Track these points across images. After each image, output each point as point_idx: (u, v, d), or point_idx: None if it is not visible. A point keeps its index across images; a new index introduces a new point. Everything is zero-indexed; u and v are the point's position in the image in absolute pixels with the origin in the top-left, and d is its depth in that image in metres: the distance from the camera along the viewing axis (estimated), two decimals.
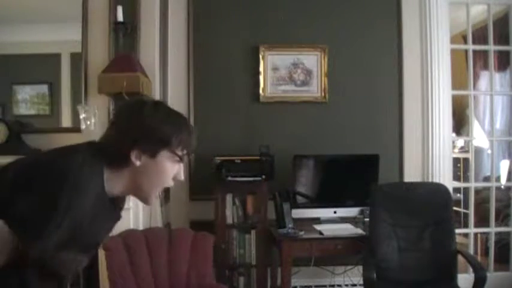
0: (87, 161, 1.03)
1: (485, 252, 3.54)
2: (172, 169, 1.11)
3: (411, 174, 3.25)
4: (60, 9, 2.92)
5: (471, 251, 3.33)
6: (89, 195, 1.01)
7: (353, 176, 3.12)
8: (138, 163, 1.06)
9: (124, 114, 1.13)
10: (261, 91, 3.21)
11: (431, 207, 2.64)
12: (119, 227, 2.53)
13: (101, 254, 2.48)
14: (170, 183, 1.13)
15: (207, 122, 3.19)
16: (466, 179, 4.32)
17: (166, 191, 3.08)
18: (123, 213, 2.78)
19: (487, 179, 4.14)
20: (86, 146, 1.10)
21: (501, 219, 3.58)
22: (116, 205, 1.17)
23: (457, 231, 2.89)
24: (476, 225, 3.42)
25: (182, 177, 1.15)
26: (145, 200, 1.14)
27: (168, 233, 2.58)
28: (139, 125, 1.06)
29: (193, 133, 1.14)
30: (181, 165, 1.14)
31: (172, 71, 3.18)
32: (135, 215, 2.65)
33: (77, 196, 0.98)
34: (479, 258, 3.42)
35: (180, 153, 1.10)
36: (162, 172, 1.10)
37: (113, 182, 1.08)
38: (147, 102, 1.13)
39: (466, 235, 3.43)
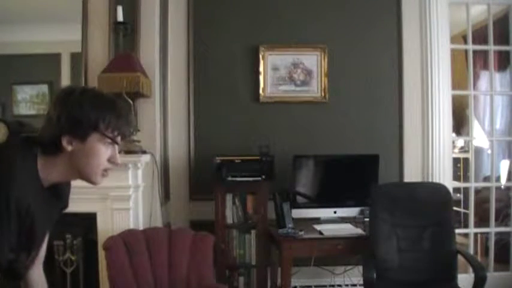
0: (16, 154, 1.08)
1: (485, 252, 3.54)
2: (105, 151, 1.14)
3: (411, 174, 3.25)
4: (60, 9, 2.92)
5: (471, 251, 3.33)
6: (24, 186, 1.04)
7: (353, 176, 3.11)
8: (69, 148, 1.10)
9: (53, 103, 1.15)
10: (261, 91, 3.21)
11: (431, 207, 2.64)
12: (119, 227, 2.54)
13: (101, 254, 2.49)
14: (106, 165, 1.16)
15: (207, 122, 3.19)
16: (466, 179, 4.32)
17: (166, 190, 3.08)
18: (123, 213, 2.78)
19: (487, 179, 4.13)
20: (19, 139, 1.16)
21: (501, 219, 3.58)
22: (58, 192, 1.20)
23: (457, 231, 2.89)
24: (476, 225, 3.43)
25: (118, 160, 1.18)
26: (89, 181, 1.17)
27: (168, 233, 2.58)
28: (67, 112, 1.10)
29: (123, 115, 1.17)
30: (116, 147, 1.17)
31: (172, 71, 3.18)
32: (135, 215, 2.65)
33: (10, 188, 1.02)
34: (479, 258, 3.41)
35: (110, 135, 1.13)
36: (95, 154, 1.13)
37: (50, 170, 1.12)
38: (73, 90, 1.15)
39: (466, 235, 3.43)
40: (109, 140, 1.14)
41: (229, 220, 2.87)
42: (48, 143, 1.11)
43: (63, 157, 1.12)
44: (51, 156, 1.12)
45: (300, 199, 3.07)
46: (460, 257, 2.58)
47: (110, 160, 1.17)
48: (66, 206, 1.30)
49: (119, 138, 1.17)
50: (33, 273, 1.31)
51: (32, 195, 1.07)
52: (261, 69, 3.21)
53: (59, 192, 1.22)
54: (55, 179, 1.15)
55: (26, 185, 1.06)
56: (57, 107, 1.12)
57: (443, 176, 3.22)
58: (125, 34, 2.79)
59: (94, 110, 1.11)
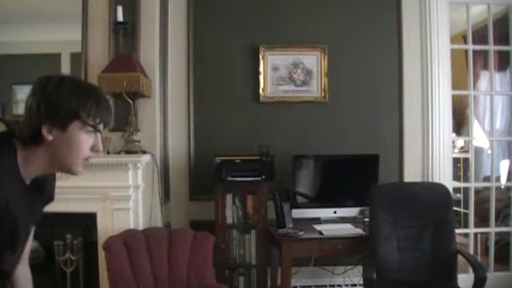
0: None
1: (485, 252, 3.53)
2: (87, 139, 1.12)
3: (411, 174, 3.25)
4: (60, 9, 2.92)
5: (471, 251, 3.33)
6: (2, 186, 1.01)
7: (353, 176, 3.11)
8: (50, 137, 1.07)
9: (31, 92, 1.11)
10: (261, 91, 3.21)
11: (431, 207, 2.64)
12: (119, 227, 2.55)
13: (101, 254, 2.49)
14: (88, 153, 1.13)
15: (207, 122, 3.19)
16: (466, 179, 4.31)
17: (166, 190, 3.08)
18: (123, 213, 2.79)
19: (487, 179, 4.14)
20: None
21: (501, 219, 3.58)
22: (41, 185, 1.18)
23: (457, 231, 2.89)
24: (476, 225, 3.42)
25: (100, 148, 1.15)
26: (70, 172, 1.14)
27: (168, 233, 2.58)
28: (45, 100, 1.07)
29: (103, 102, 1.14)
30: (98, 135, 1.14)
31: (172, 71, 3.18)
32: (135, 215, 2.65)
33: None
34: (479, 258, 3.41)
35: (92, 123, 1.10)
36: (77, 143, 1.10)
37: (31, 163, 1.10)
38: (51, 78, 1.12)
39: (466, 235, 3.43)
40: (91, 129, 1.11)
41: (229, 220, 2.87)
42: (28, 134, 1.07)
43: (44, 148, 1.09)
44: (32, 148, 1.09)
45: (300, 199, 3.07)
46: (460, 257, 2.58)
47: (93, 149, 1.14)
48: (51, 199, 1.28)
49: (101, 126, 1.14)
50: (18, 269, 1.29)
51: (12, 194, 1.04)
52: (261, 69, 3.21)
53: (43, 186, 1.19)
54: (37, 171, 1.12)
55: (5, 184, 1.02)
56: (35, 95, 1.09)
57: (443, 176, 3.21)
58: (125, 34, 2.79)
59: (74, 96, 1.09)
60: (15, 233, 1.11)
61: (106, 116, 1.14)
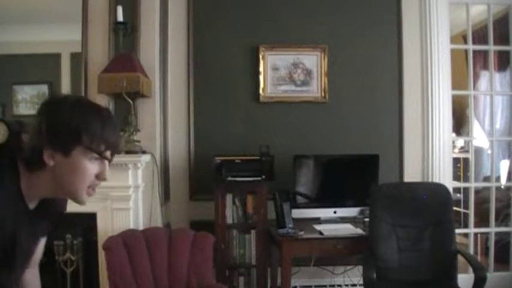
0: None
1: (485, 252, 3.53)
2: (92, 167, 1.03)
3: (411, 174, 3.25)
4: (60, 9, 2.92)
5: (471, 251, 3.33)
6: (2, 211, 0.97)
7: (353, 176, 3.12)
8: (51, 163, 1.00)
9: (37, 113, 1.05)
10: (261, 91, 3.21)
11: (431, 207, 2.64)
12: (119, 227, 2.54)
13: (101, 254, 2.48)
14: (93, 182, 1.05)
15: (207, 122, 3.19)
16: (466, 179, 4.32)
17: (166, 190, 3.08)
18: (123, 213, 2.79)
19: (487, 179, 4.14)
20: (6, 151, 1.05)
21: (501, 219, 3.58)
22: (48, 206, 1.12)
23: (457, 231, 2.89)
24: (476, 225, 3.42)
25: (106, 177, 1.06)
26: (74, 200, 1.07)
27: (168, 233, 2.58)
28: (46, 123, 1.00)
29: (110, 125, 1.04)
30: (105, 162, 1.05)
31: (172, 71, 3.18)
32: (135, 215, 2.65)
33: None
34: (479, 258, 3.42)
35: (96, 148, 1.01)
36: (80, 170, 1.01)
37: (35, 186, 1.03)
38: (55, 98, 1.06)
39: (466, 235, 3.43)
40: (96, 155, 1.02)
41: (229, 220, 2.87)
42: (31, 157, 1.01)
43: (47, 172, 1.01)
44: (36, 171, 1.02)
45: (300, 199, 3.07)
46: (460, 257, 2.58)
47: (98, 177, 1.05)
48: (56, 218, 1.21)
49: (108, 153, 1.04)
50: (27, 273, 1.26)
51: (8, 216, 0.98)
52: (261, 69, 3.21)
53: (49, 208, 1.12)
54: (43, 194, 1.07)
55: (5, 209, 0.97)
56: (38, 116, 1.02)
57: (443, 176, 3.22)
58: (125, 34, 2.79)
59: (74, 118, 1.00)
60: (11, 254, 1.05)
61: (113, 141, 1.04)
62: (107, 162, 1.05)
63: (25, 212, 1.04)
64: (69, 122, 1.00)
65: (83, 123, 1.00)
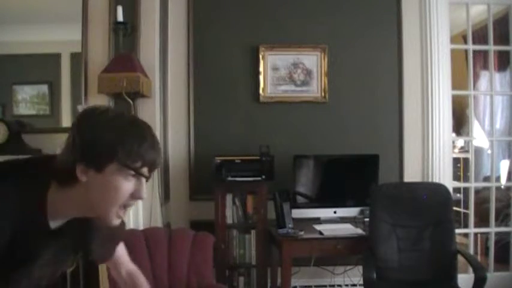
0: (23, 185, 0.95)
1: (485, 252, 3.54)
2: (126, 185, 0.95)
3: (411, 174, 3.25)
4: (60, 9, 2.92)
5: (471, 251, 3.33)
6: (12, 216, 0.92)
7: (353, 176, 3.12)
8: (84, 179, 0.93)
9: (72, 126, 0.99)
10: (261, 91, 3.21)
11: (431, 207, 2.64)
12: None
13: None
14: (127, 201, 0.97)
15: (207, 122, 3.19)
16: (466, 179, 4.32)
17: (166, 190, 3.08)
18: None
19: (487, 179, 4.14)
20: (30, 168, 1.00)
21: (501, 219, 3.58)
22: (83, 227, 1.06)
23: (457, 231, 2.89)
24: (476, 225, 3.42)
25: (143, 196, 0.98)
26: (104, 221, 0.99)
27: (168, 233, 2.58)
28: (80, 136, 0.94)
29: (148, 141, 0.96)
30: (142, 180, 0.97)
31: (172, 71, 3.18)
32: (135, 215, 2.65)
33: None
34: (479, 258, 3.42)
35: (132, 165, 0.94)
36: (114, 188, 0.94)
37: (62, 202, 0.97)
38: (92, 110, 1.00)
39: (466, 235, 3.43)
40: (132, 172, 0.94)
41: (229, 220, 2.87)
42: (63, 172, 0.94)
43: (79, 189, 0.95)
44: (66, 187, 0.95)
45: (300, 199, 3.07)
46: (460, 257, 2.58)
47: (133, 196, 0.97)
48: (88, 254, 1.17)
49: (145, 169, 0.96)
50: (124, 268, 1.28)
51: (24, 231, 0.93)
52: (261, 69, 3.21)
53: (85, 228, 1.06)
54: (70, 214, 1.00)
55: (14, 219, 0.91)
56: (73, 129, 0.96)
57: (443, 176, 3.22)
58: (125, 34, 2.79)
59: (110, 132, 0.93)
60: (26, 270, 0.99)
61: (150, 158, 0.96)
62: (143, 180, 0.98)
63: (44, 227, 0.97)
64: (104, 136, 0.93)
65: (119, 138, 0.93)
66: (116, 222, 0.99)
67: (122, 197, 0.96)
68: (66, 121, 2.91)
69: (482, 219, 3.52)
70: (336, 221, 3.03)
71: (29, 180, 0.96)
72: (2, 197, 0.92)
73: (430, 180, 3.20)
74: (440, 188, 2.75)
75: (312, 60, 3.25)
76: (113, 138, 0.93)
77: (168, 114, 3.15)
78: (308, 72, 3.25)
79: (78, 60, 2.86)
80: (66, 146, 0.96)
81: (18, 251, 0.94)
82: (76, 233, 1.05)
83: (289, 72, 3.24)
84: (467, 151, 4.24)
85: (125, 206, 0.98)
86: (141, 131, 0.97)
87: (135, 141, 0.94)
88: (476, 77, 4.14)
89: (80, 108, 2.71)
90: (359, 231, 2.79)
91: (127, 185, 0.95)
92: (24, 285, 1.02)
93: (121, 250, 1.29)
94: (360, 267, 2.71)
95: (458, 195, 4.31)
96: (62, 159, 0.95)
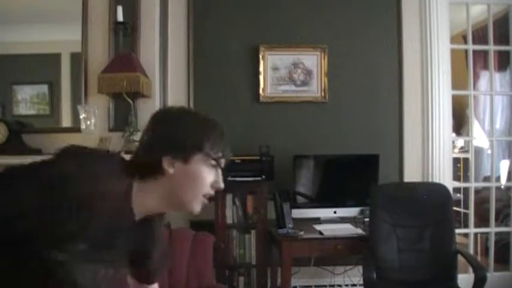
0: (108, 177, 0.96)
1: (485, 252, 3.54)
2: (209, 174, 1.04)
3: (411, 174, 3.25)
4: (60, 9, 2.92)
5: (471, 251, 3.33)
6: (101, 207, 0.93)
7: (353, 176, 3.11)
8: (171, 170, 1.00)
9: (150, 123, 1.06)
10: (261, 91, 3.21)
11: (431, 207, 2.64)
12: None
13: None
14: (209, 190, 1.06)
15: None
16: (466, 179, 4.32)
17: None
18: None
19: (487, 179, 4.14)
20: (113, 167, 1.01)
21: (501, 219, 3.58)
22: (151, 227, 1.11)
23: (457, 231, 2.89)
24: (476, 225, 3.42)
25: (222, 185, 1.07)
26: (187, 209, 1.06)
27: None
28: (168, 131, 1.02)
29: (223, 136, 1.08)
30: (219, 171, 1.07)
31: (172, 71, 3.18)
32: None
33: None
34: (479, 258, 3.42)
35: (215, 156, 1.04)
36: (198, 177, 1.03)
37: (147, 196, 1.01)
38: (171, 108, 1.09)
39: (466, 235, 3.43)
40: (213, 162, 1.04)
41: (229, 220, 2.87)
42: (147, 165, 1.00)
43: (162, 182, 1.01)
44: (149, 180, 1.01)
45: (300, 199, 3.07)
46: (460, 257, 2.58)
47: (213, 185, 1.06)
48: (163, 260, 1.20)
49: (223, 161, 1.07)
50: None
51: (111, 219, 0.95)
52: (261, 69, 3.21)
53: (152, 228, 1.11)
54: (153, 207, 1.04)
55: (103, 207, 0.93)
56: (156, 126, 1.04)
57: (443, 176, 3.21)
58: (125, 34, 2.79)
59: (199, 128, 1.03)
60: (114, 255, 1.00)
61: (228, 150, 1.08)
62: (220, 170, 1.07)
63: (131, 221, 1.01)
64: (191, 129, 1.02)
65: (205, 131, 1.03)
66: (199, 209, 1.06)
67: (206, 186, 1.04)
68: (66, 121, 2.91)
69: (482, 219, 3.51)
70: (336, 221, 3.03)
71: (116, 173, 0.99)
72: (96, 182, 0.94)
73: (430, 180, 3.20)
74: (440, 188, 2.75)
75: (312, 60, 3.25)
76: (199, 131, 1.03)
77: None
78: (308, 72, 3.25)
79: (78, 60, 2.86)
80: (147, 142, 1.03)
81: (106, 240, 0.96)
82: (143, 233, 1.08)
83: (289, 72, 3.24)
84: (467, 151, 4.24)
85: (206, 196, 1.06)
86: (219, 127, 1.08)
87: (217, 135, 1.05)
88: (476, 77, 4.14)
89: (80, 108, 2.71)
90: (359, 231, 2.79)
91: (210, 174, 1.04)
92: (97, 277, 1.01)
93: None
94: (360, 267, 2.71)
95: (458, 195, 4.31)
96: (144, 153, 1.02)
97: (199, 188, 1.04)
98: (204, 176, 1.03)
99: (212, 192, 1.07)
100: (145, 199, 1.01)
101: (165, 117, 1.06)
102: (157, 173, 1.00)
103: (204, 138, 1.02)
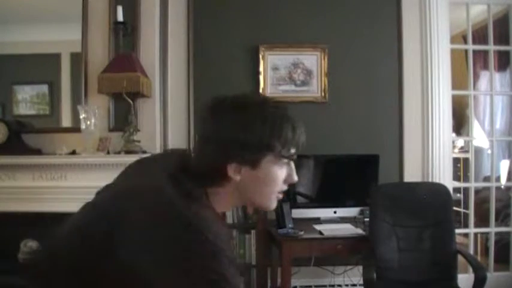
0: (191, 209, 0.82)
1: (485, 252, 3.53)
2: (281, 173, 0.93)
3: (411, 174, 3.25)
4: (60, 9, 2.92)
5: (471, 251, 3.33)
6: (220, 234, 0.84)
7: (353, 176, 3.11)
8: (238, 178, 0.89)
9: (209, 123, 0.92)
10: (261, 91, 3.21)
11: (431, 207, 2.64)
12: None
13: None
14: (283, 187, 0.96)
15: None
16: (466, 179, 4.32)
17: None
18: None
19: (487, 179, 4.14)
20: (172, 182, 0.86)
21: (501, 219, 3.58)
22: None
23: (457, 231, 2.89)
24: (476, 225, 3.42)
25: (295, 178, 0.96)
26: (261, 208, 0.98)
27: None
28: (229, 133, 0.88)
29: (298, 126, 0.95)
30: (292, 165, 0.95)
31: (172, 71, 3.18)
32: None
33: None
34: (479, 258, 3.41)
35: (287, 154, 0.92)
36: (270, 180, 0.92)
37: (215, 201, 0.92)
38: (231, 101, 0.93)
39: (466, 235, 3.43)
40: (286, 160, 0.93)
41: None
42: (209, 174, 0.89)
43: (229, 188, 0.91)
44: (216, 189, 0.91)
45: (300, 199, 3.07)
46: (460, 257, 2.58)
47: (286, 181, 0.95)
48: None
49: (295, 154, 0.95)
50: None
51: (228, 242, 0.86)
52: (261, 69, 3.21)
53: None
54: (220, 211, 0.96)
55: (222, 236, 0.83)
56: (216, 126, 0.89)
57: (443, 176, 3.21)
58: (125, 34, 2.79)
59: (266, 125, 0.88)
60: None
61: (302, 141, 0.95)
62: (292, 163, 0.96)
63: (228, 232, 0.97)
64: (258, 127, 0.88)
65: (273, 131, 0.89)
66: (274, 206, 0.97)
67: (279, 185, 0.94)
68: (66, 121, 2.91)
69: (482, 219, 3.51)
70: (336, 221, 3.03)
71: (195, 193, 0.87)
72: (206, 219, 0.83)
73: (430, 180, 3.20)
74: (440, 188, 2.75)
75: (312, 60, 3.25)
76: (266, 132, 0.89)
77: (168, 114, 3.15)
78: (308, 72, 3.25)
79: (78, 60, 2.86)
80: (207, 149, 0.90)
81: None
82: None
83: (289, 72, 3.24)
84: (467, 151, 4.24)
85: (280, 192, 0.96)
86: (291, 118, 0.95)
87: (288, 130, 0.92)
88: (476, 77, 4.14)
89: (80, 108, 2.71)
90: (359, 231, 2.79)
91: (282, 172, 0.93)
92: None
93: None
94: (360, 267, 2.71)
95: (458, 195, 4.31)
96: (206, 163, 0.89)
97: (271, 189, 0.94)
98: (276, 176, 0.93)
99: (285, 187, 0.97)
100: (215, 204, 0.92)
101: (223, 113, 0.90)
102: (223, 180, 0.90)
103: (274, 137, 0.89)
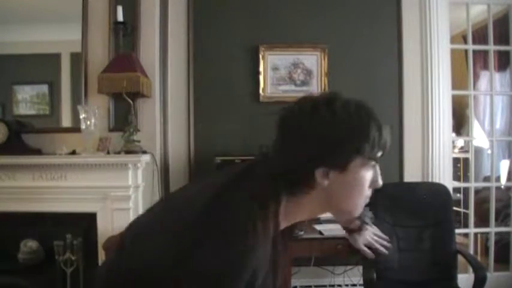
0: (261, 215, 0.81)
1: (485, 252, 3.53)
2: (369, 176, 0.90)
3: (411, 174, 3.25)
4: (60, 9, 2.92)
5: (471, 251, 3.33)
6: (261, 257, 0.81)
7: None
8: (326, 182, 0.86)
9: (292, 125, 0.91)
10: (261, 91, 3.21)
11: (431, 207, 2.64)
12: (119, 227, 2.54)
13: (101, 254, 2.49)
14: (369, 192, 0.93)
15: (207, 122, 3.19)
16: (466, 179, 4.32)
17: (166, 190, 3.08)
18: (123, 213, 2.79)
19: (487, 179, 4.14)
20: (262, 183, 0.86)
21: (501, 219, 3.58)
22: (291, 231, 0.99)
23: (457, 231, 2.89)
24: (476, 225, 3.42)
25: (380, 182, 0.93)
26: (347, 216, 0.94)
27: None
28: (318, 136, 0.85)
29: (383, 126, 0.92)
30: (378, 169, 0.92)
31: (172, 71, 3.18)
32: (135, 215, 2.65)
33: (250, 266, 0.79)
34: (479, 258, 3.41)
35: (375, 156, 0.89)
36: (359, 184, 0.89)
37: (295, 213, 0.89)
38: (316, 104, 0.88)
39: (466, 235, 3.43)
40: (373, 163, 0.89)
41: None
42: (293, 180, 0.86)
43: (313, 194, 0.87)
44: (300, 196, 0.87)
45: None
46: (460, 257, 2.58)
47: (372, 185, 0.92)
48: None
49: (380, 156, 0.92)
50: None
51: (263, 264, 0.83)
52: (261, 69, 3.21)
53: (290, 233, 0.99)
54: (300, 219, 0.93)
55: (260, 257, 0.80)
56: (298, 130, 0.88)
57: (443, 176, 3.21)
58: (125, 34, 2.79)
59: (355, 128, 0.86)
60: None
61: (389, 143, 0.92)
62: (378, 167, 0.93)
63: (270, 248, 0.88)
64: (345, 129, 0.85)
65: (362, 133, 0.87)
66: (359, 213, 0.94)
67: (367, 189, 0.91)
68: (66, 121, 2.91)
69: (482, 219, 3.51)
70: (336, 221, 3.02)
71: (269, 208, 0.84)
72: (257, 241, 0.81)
73: (430, 180, 3.20)
74: (440, 188, 2.75)
75: (312, 60, 3.25)
76: (355, 134, 0.86)
77: (168, 114, 3.15)
78: (308, 72, 3.25)
79: (78, 60, 2.87)
80: (292, 153, 0.87)
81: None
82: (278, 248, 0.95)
83: (289, 72, 3.24)
84: (467, 151, 4.24)
85: (367, 198, 0.94)
86: (374, 117, 0.91)
87: (376, 131, 0.89)
88: (476, 77, 4.15)
89: (80, 108, 2.71)
90: None
91: (369, 175, 0.90)
92: None
93: None
94: (360, 267, 2.71)
95: (458, 195, 4.31)
96: (289, 168, 0.86)
97: (360, 195, 0.91)
98: (364, 181, 0.90)
99: (370, 192, 0.93)
100: (294, 214, 0.89)
101: (308, 116, 0.87)
102: (309, 187, 0.87)
103: (363, 139, 0.86)
